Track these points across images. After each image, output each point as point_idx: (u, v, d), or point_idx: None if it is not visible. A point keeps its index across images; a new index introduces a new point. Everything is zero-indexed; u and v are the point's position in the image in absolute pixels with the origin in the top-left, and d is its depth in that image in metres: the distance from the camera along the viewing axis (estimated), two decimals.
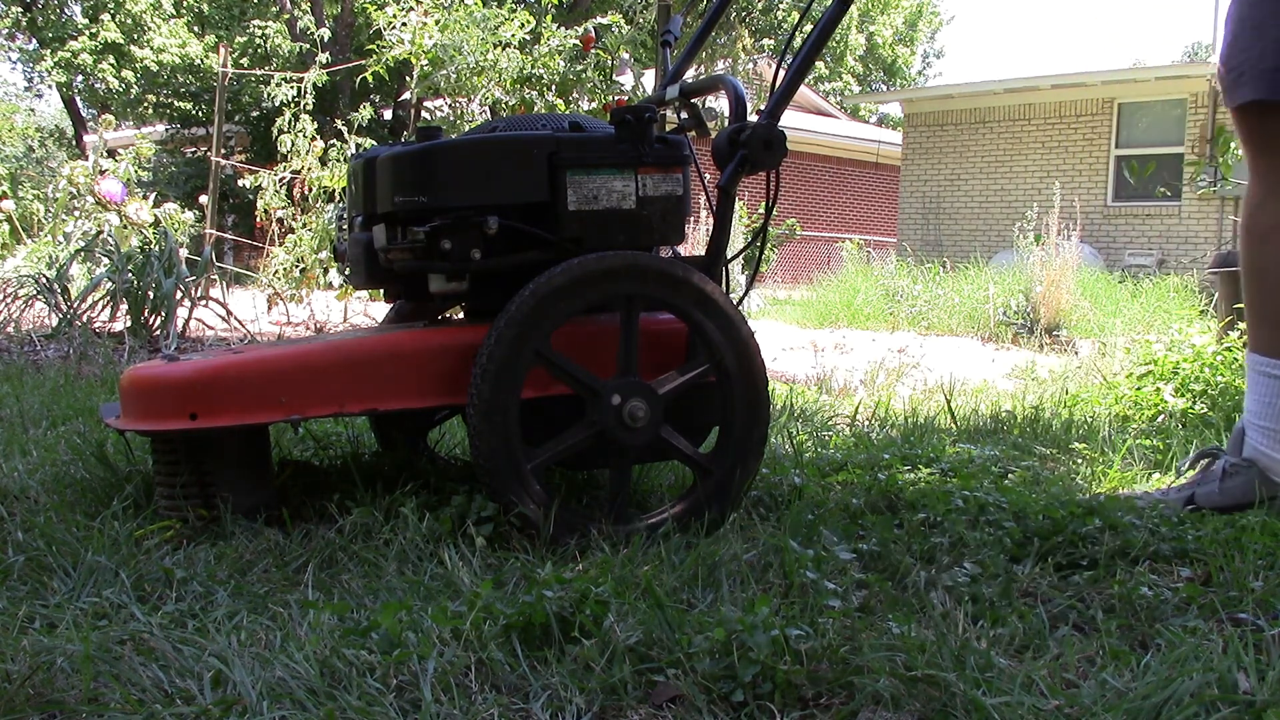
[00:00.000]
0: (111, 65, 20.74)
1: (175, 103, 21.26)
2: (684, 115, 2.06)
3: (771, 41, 16.26)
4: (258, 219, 6.25)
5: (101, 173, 6.37)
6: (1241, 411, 2.20)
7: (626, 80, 6.25)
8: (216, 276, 5.74)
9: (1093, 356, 5.58)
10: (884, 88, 34.61)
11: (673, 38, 2.27)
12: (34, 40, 22.35)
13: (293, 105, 6.04)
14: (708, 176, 1.92)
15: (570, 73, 5.97)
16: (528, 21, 5.96)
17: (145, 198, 6.46)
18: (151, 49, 20.35)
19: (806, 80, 2.11)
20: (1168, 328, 4.82)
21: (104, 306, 4.52)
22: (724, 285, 1.83)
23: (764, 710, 1.10)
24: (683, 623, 1.22)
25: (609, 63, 6.15)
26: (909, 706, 1.09)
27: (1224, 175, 3.94)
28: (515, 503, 1.61)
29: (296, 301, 5.70)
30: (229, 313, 4.72)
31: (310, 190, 5.88)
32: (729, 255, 1.88)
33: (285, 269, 5.78)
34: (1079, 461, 2.32)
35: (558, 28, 6.04)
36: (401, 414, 1.79)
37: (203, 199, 7.46)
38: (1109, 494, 1.98)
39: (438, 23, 5.81)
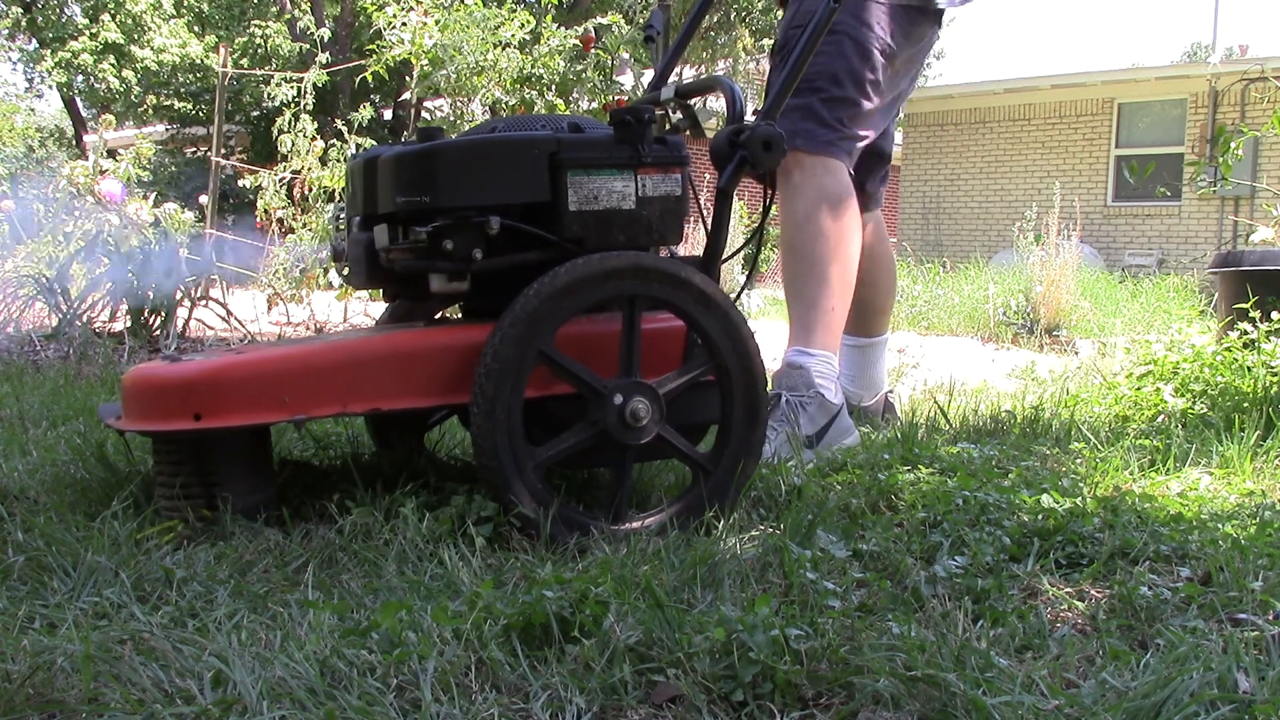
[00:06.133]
0: (112, 65, 20.70)
1: (175, 103, 21.23)
2: (679, 116, 2.06)
3: (772, 41, 16.24)
4: (258, 219, 6.24)
5: (101, 173, 6.36)
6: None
7: (626, 80, 6.26)
8: (216, 276, 5.73)
9: (1093, 356, 5.58)
10: None
11: (655, 32, 2.27)
12: (34, 40, 22.31)
13: (293, 105, 6.03)
14: (707, 177, 1.93)
15: (570, 73, 5.97)
16: (528, 21, 5.96)
17: (145, 198, 6.45)
18: (151, 49, 20.31)
19: None
20: (1168, 328, 4.82)
21: (104, 306, 4.51)
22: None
23: (764, 710, 1.10)
24: (683, 623, 1.22)
25: (609, 63, 6.16)
26: (909, 706, 1.09)
27: (1224, 175, 3.92)
28: (516, 502, 1.61)
29: (296, 302, 5.69)
30: (229, 313, 4.72)
31: (310, 190, 5.88)
32: (726, 254, 1.88)
33: (285, 269, 5.77)
34: (1078, 461, 2.31)
35: (558, 28, 6.04)
36: (402, 414, 1.79)
37: (203, 199, 7.45)
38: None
39: (438, 23, 5.81)
